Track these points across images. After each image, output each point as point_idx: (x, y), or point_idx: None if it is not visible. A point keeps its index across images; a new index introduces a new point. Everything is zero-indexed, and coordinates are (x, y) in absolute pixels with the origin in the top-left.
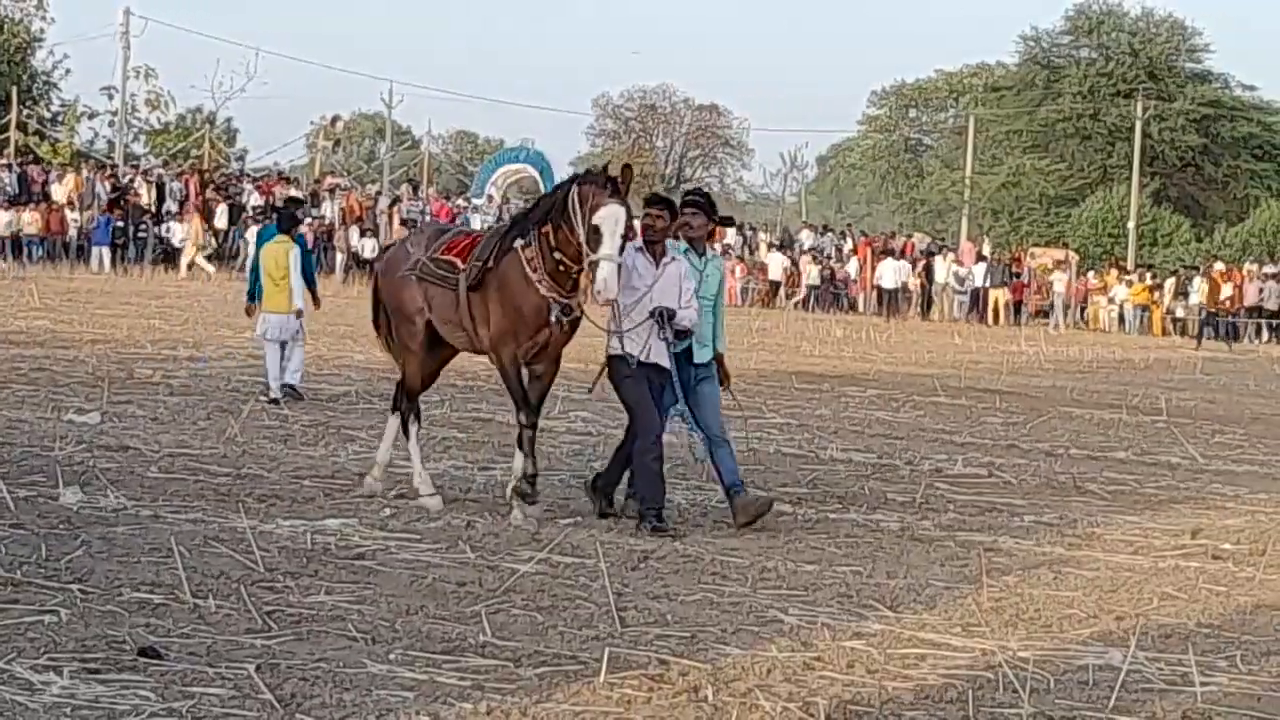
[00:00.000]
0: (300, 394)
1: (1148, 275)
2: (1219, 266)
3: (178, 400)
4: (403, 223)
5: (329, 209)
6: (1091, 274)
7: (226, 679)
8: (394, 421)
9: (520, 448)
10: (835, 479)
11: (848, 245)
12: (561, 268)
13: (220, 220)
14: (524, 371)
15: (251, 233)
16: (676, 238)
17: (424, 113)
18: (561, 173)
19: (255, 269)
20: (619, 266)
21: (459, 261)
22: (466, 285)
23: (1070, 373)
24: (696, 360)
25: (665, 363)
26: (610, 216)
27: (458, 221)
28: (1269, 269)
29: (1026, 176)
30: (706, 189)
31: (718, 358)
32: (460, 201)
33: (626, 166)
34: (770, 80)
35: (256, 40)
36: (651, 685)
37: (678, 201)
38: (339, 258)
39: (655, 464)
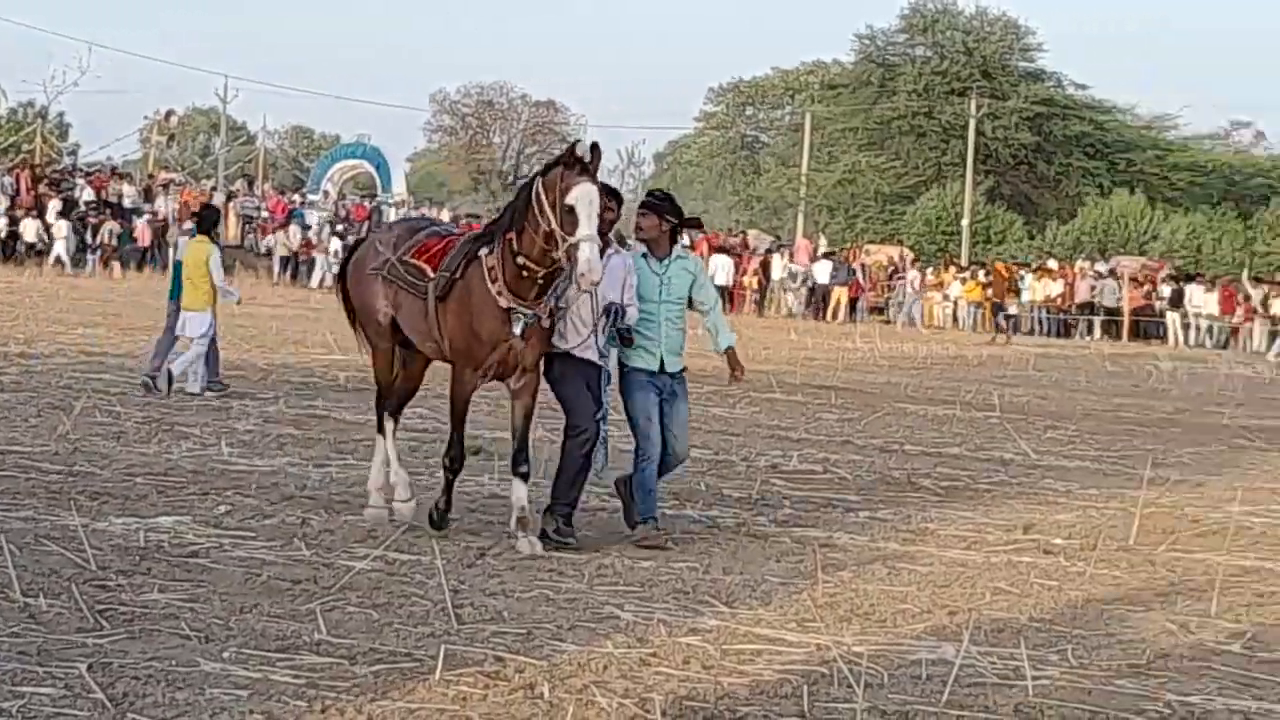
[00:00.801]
0: (168, 385)
1: (980, 272)
2: (1052, 264)
3: (8, 397)
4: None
5: (163, 205)
6: (930, 270)
7: (57, 678)
8: (381, 441)
9: (445, 490)
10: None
11: (684, 241)
12: (525, 273)
13: (51, 215)
14: (477, 390)
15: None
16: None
17: (260, 108)
18: (398, 169)
19: (177, 270)
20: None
21: (429, 269)
22: (435, 296)
23: (905, 369)
24: (669, 370)
25: (598, 359)
26: (585, 195)
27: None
28: (1100, 267)
29: (862, 174)
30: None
31: (729, 351)
32: (295, 197)
33: (595, 146)
34: (607, 77)
35: (90, 34)
36: (488, 682)
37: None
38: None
39: (585, 464)
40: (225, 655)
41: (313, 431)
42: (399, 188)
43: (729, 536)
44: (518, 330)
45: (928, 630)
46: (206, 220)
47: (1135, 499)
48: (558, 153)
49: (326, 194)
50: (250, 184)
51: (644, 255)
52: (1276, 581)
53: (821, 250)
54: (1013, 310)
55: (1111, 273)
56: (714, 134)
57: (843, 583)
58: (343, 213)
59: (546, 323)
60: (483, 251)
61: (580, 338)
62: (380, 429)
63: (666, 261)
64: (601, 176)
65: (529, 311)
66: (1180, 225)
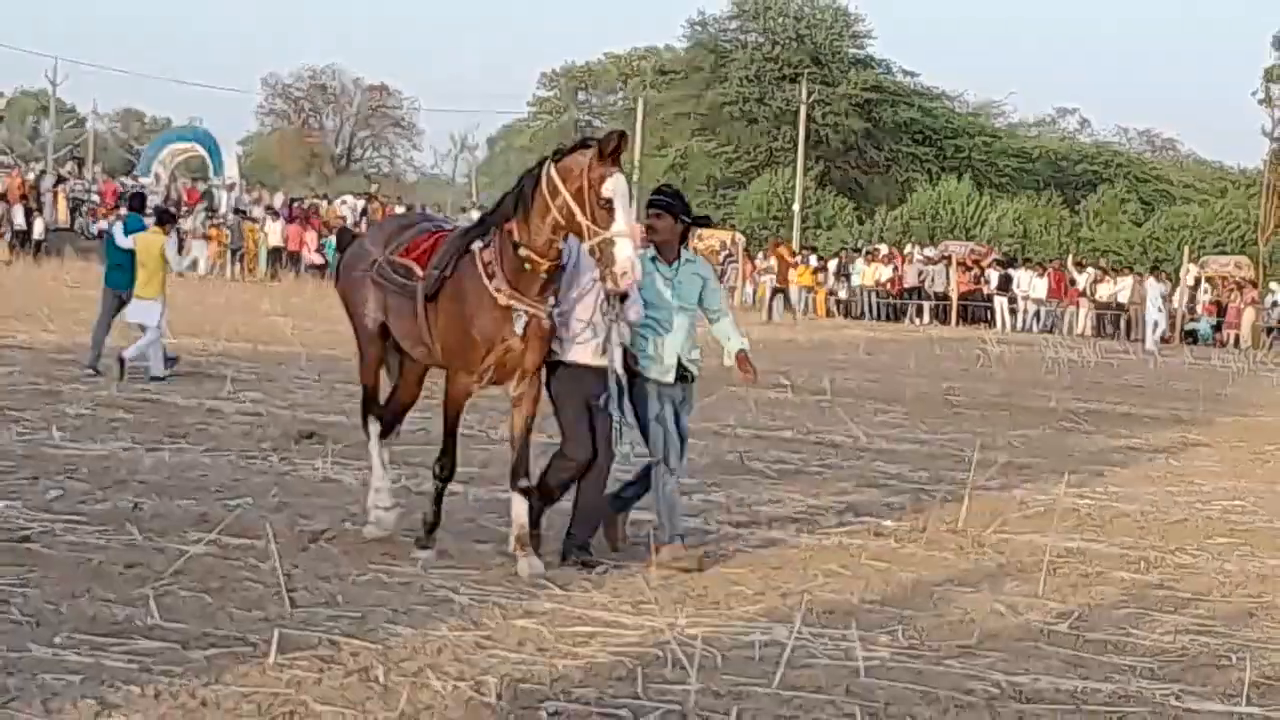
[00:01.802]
0: (121, 370)
1: (812, 257)
2: (882, 249)
3: None
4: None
5: None
6: (760, 256)
7: None
8: (373, 448)
9: (435, 501)
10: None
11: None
12: (528, 266)
13: None
14: (471, 399)
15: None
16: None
17: (90, 90)
18: (229, 152)
19: (112, 257)
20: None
21: (417, 267)
22: (424, 295)
23: None
24: (686, 377)
25: (593, 361)
26: (621, 188)
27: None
28: (929, 252)
29: (694, 159)
30: (675, 190)
31: (740, 355)
32: (126, 180)
33: (622, 134)
34: (440, 61)
35: None
36: (322, 666)
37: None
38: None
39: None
40: (57, 640)
41: (145, 415)
42: (231, 171)
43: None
44: (519, 329)
45: (760, 612)
46: (163, 214)
47: (964, 481)
48: (392, 136)
49: (157, 177)
50: (80, 167)
51: (653, 258)
52: (1102, 562)
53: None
54: (794, 293)
55: (942, 258)
56: (547, 118)
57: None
58: (174, 196)
59: (548, 323)
60: (475, 245)
61: (585, 340)
62: (370, 434)
63: (676, 265)
64: (433, 161)
65: (532, 309)
66: (1007, 211)
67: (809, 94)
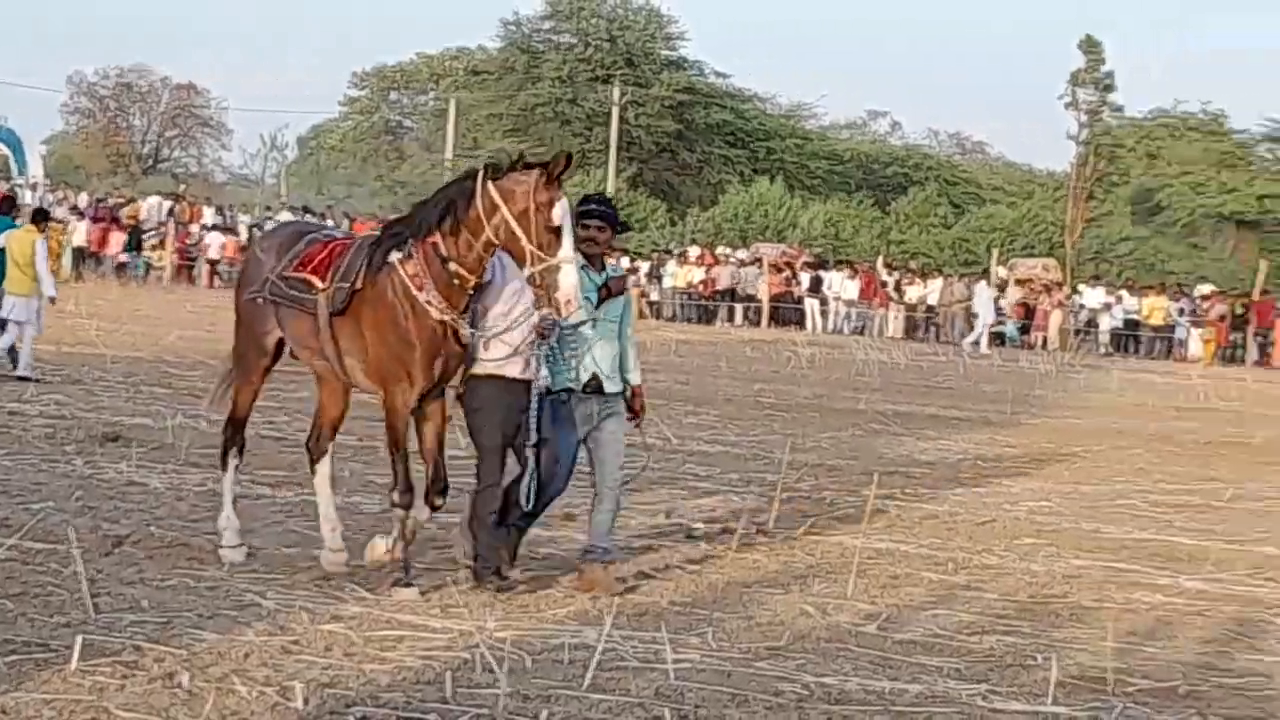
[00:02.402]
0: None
1: (624, 259)
2: (694, 251)
3: None
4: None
5: None
6: None
7: None
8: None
9: (400, 532)
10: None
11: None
12: (457, 282)
13: None
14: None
15: None
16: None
17: None
18: (33, 151)
19: None
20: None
21: (316, 280)
22: (329, 310)
23: None
24: (608, 391)
25: (521, 375)
26: (566, 212)
27: None
28: (741, 254)
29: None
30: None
31: (635, 390)
32: None
33: (568, 155)
34: (249, 61)
35: None
36: (126, 672)
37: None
38: None
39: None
40: None
41: None
42: (35, 170)
43: (373, 522)
44: (467, 337)
45: (570, 615)
46: (37, 213)
47: (774, 483)
48: (200, 136)
49: None
50: None
51: (583, 267)
52: (910, 563)
53: None
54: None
55: (754, 260)
56: (358, 119)
57: None
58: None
59: (466, 338)
60: (394, 256)
61: (507, 350)
62: (224, 464)
63: (605, 276)
64: (240, 161)
65: (456, 323)
66: (819, 213)
67: (622, 95)
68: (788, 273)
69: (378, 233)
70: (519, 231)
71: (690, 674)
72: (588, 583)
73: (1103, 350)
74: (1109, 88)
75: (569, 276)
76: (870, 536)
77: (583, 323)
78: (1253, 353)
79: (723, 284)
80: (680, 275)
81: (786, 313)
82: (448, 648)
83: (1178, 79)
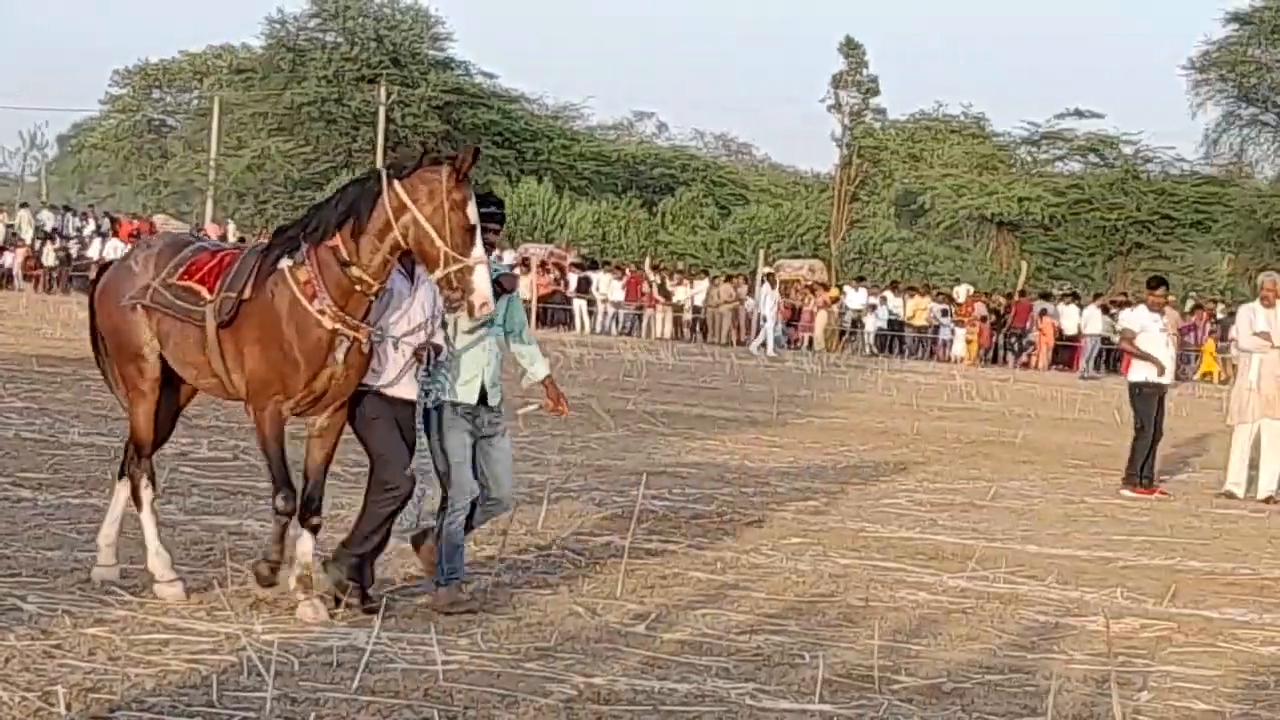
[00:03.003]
0: None
1: None
2: None
3: None
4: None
5: None
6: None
7: None
8: (122, 490)
9: (277, 539)
10: (78, 464)
11: (89, 227)
12: (359, 287)
13: None
14: (286, 432)
15: None
16: None
17: None
18: None
19: None
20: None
21: (204, 290)
22: (216, 321)
23: None
24: (491, 402)
25: (414, 396)
26: (477, 211)
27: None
28: (509, 257)
29: (272, 159)
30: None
31: (548, 381)
32: None
33: (476, 150)
34: (8, 57)
35: None
36: None
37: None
38: None
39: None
40: None
41: None
42: None
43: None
44: (340, 355)
45: (338, 617)
46: None
47: (543, 484)
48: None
49: None
50: None
51: None
52: (678, 563)
53: (232, 235)
54: None
55: (521, 260)
56: (120, 117)
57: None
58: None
59: (366, 348)
60: (284, 263)
61: (397, 370)
62: (125, 479)
63: (495, 273)
64: (1, 159)
65: (352, 335)
66: (586, 213)
67: (388, 95)
68: (555, 273)
69: (266, 240)
70: (430, 231)
71: (459, 675)
72: (453, 607)
73: (868, 351)
74: (871, 91)
75: (482, 277)
76: (638, 537)
77: (487, 321)
78: (1014, 353)
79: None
80: None
81: (555, 313)
82: (214, 651)
83: (942, 83)
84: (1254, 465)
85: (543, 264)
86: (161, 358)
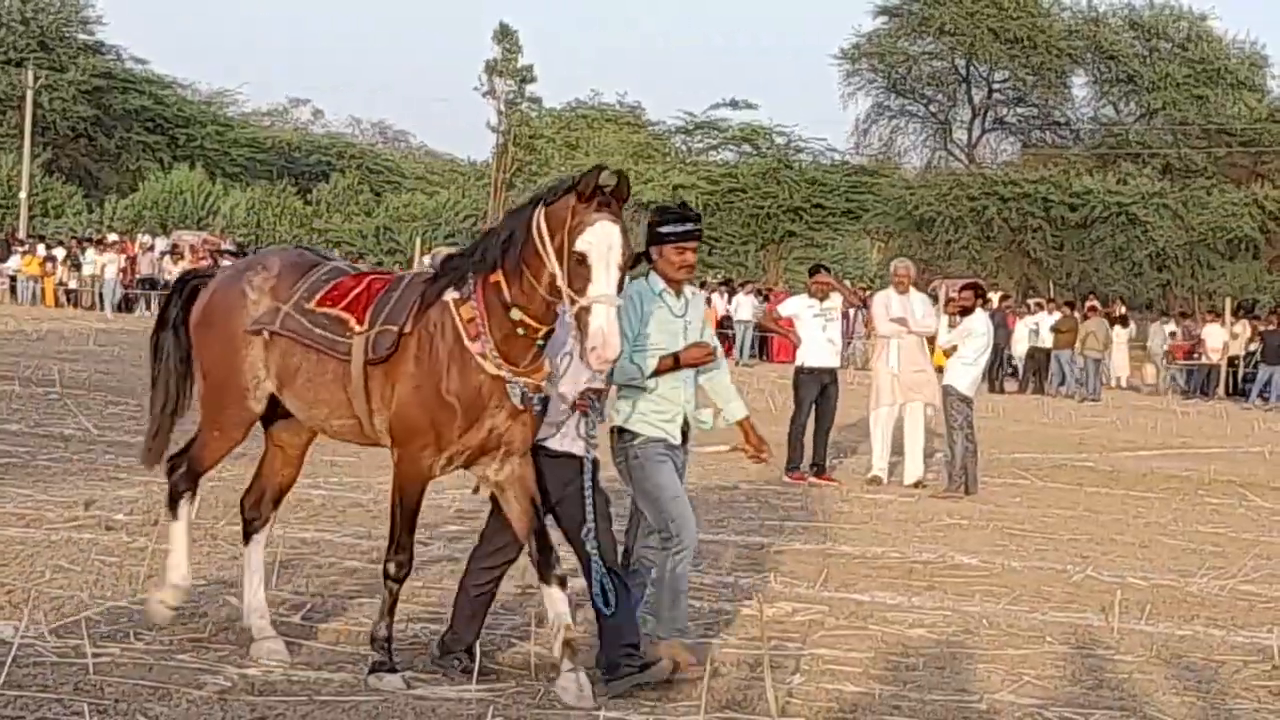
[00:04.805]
0: None
1: (40, 246)
2: (113, 237)
3: None
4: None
5: None
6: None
7: None
8: (179, 532)
9: (388, 610)
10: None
11: None
12: (521, 331)
13: None
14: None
15: None
16: None
17: None
18: None
19: None
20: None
21: (353, 320)
22: (367, 357)
23: None
24: (690, 435)
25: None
26: (602, 239)
27: None
28: (160, 242)
29: None
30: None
31: (744, 422)
32: None
33: (622, 175)
34: None
35: None
36: None
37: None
38: None
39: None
40: None
41: None
42: None
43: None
44: (517, 399)
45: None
46: None
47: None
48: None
49: None
50: None
51: (662, 291)
52: (335, 552)
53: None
54: None
55: (174, 247)
56: None
57: None
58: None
59: (536, 401)
60: (449, 295)
61: (556, 424)
62: (170, 491)
63: (684, 299)
64: None
65: (525, 381)
66: (241, 200)
67: (35, 79)
68: (209, 260)
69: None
70: (556, 266)
71: (110, 668)
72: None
73: None
74: (526, 79)
75: (597, 317)
76: (294, 525)
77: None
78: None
79: (145, 272)
80: (100, 263)
81: None
82: None
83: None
84: (900, 450)
85: (196, 250)
86: (272, 401)
